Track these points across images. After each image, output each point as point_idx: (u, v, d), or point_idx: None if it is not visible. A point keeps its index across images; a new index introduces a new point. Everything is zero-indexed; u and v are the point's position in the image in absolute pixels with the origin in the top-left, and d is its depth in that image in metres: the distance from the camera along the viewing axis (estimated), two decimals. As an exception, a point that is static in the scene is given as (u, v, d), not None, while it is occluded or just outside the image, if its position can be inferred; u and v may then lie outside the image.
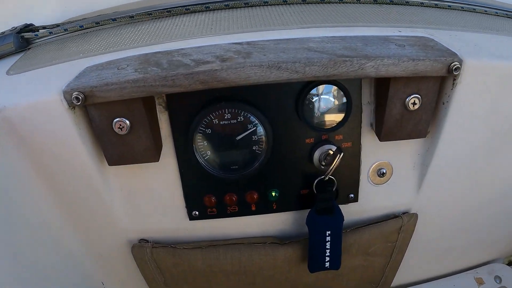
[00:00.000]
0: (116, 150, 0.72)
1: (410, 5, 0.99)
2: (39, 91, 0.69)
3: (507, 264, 1.26)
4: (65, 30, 0.95)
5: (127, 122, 0.68)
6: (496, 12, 1.02)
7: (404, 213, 0.92)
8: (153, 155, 0.72)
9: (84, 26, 0.94)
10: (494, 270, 1.21)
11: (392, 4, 0.98)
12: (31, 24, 1.02)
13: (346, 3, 0.94)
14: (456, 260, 1.17)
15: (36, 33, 0.97)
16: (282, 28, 0.78)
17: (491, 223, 1.06)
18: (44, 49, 0.94)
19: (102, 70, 0.68)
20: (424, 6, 1.00)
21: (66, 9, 1.26)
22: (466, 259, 1.19)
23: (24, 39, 0.98)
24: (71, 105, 0.67)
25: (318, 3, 0.93)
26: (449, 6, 1.01)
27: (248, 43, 0.70)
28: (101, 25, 0.93)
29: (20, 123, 0.70)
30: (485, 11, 1.02)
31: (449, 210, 0.96)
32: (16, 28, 0.99)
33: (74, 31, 0.95)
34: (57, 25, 0.99)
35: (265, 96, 0.74)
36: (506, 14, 1.03)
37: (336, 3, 0.93)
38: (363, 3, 0.95)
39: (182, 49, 0.71)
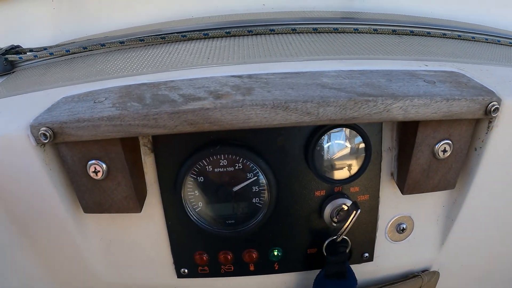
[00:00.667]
0: (92, 197, 0.60)
1: (432, 36, 0.90)
2: (4, 124, 0.58)
3: None
4: (51, 54, 0.85)
5: (104, 165, 0.57)
6: None
7: (424, 271, 0.79)
8: (135, 205, 0.60)
9: (71, 50, 0.84)
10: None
11: (413, 34, 0.88)
12: (18, 46, 0.94)
13: (362, 33, 0.83)
14: None
15: (21, 55, 0.88)
16: (290, 59, 0.67)
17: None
18: (27, 74, 0.84)
19: (77, 103, 0.57)
20: (447, 38, 0.90)
21: (60, 33, 1.18)
22: None
23: (8, 61, 0.89)
24: (39, 142, 0.55)
25: (331, 32, 0.82)
26: (472, 37, 0.92)
27: (249, 76, 0.59)
28: (89, 50, 0.83)
29: None
30: (510, 43, 0.93)
31: (475, 267, 0.83)
32: (1, 49, 0.90)
33: (60, 55, 0.85)
34: (44, 48, 0.90)
35: (269, 140, 0.62)
36: None
37: (351, 32, 0.82)
38: (381, 34, 0.85)
39: (171, 81, 0.60)
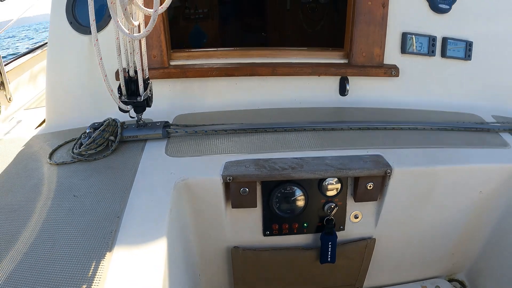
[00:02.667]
0: (238, 201, 1.62)
1: (379, 129, 1.91)
2: (207, 172, 1.58)
3: (448, 281, 2.10)
4: (195, 132, 1.86)
5: (247, 189, 1.59)
6: (431, 128, 1.93)
7: (368, 238, 1.85)
8: (254, 205, 1.64)
9: (207, 131, 1.86)
10: (436, 283, 2.10)
11: (369, 129, 1.91)
12: (167, 122, 1.90)
13: (344, 130, 1.89)
14: (408, 273, 2.08)
15: (177, 129, 1.88)
16: (314, 149, 1.72)
17: (429, 250, 1.97)
18: (182, 141, 1.79)
19: (237, 167, 1.59)
20: (388, 129, 1.92)
21: (172, 105, 2.13)
22: (415, 273, 2.10)
23: (167, 132, 1.85)
24: (224, 181, 1.58)
25: (329, 130, 1.88)
26: (401, 128, 1.93)
27: (300, 158, 1.64)
28: (218, 133, 1.85)
29: (194, 187, 1.58)
30: (424, 128, 1.93)
31: (397, 237, 1.88)
32: (160, 123, 1.85)
33: (202, 134, 1.86)
34: (186, 126, 1.90)
35: (307, 181, 1.66)
36: (445, 128, 1.93)
37: (339, 130, 1.88)
38: (352, 130, 1.90)
39: (271, 159, 1.64)
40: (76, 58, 2.14)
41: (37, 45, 4.14)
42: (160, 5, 1.36)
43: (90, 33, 2.01)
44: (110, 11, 1.36)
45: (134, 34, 1.45)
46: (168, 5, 1.41)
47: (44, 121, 2.37)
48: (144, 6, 1.43)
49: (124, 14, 1.36)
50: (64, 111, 2.18)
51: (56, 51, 2.16)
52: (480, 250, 2.00)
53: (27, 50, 3.90)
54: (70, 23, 2.10)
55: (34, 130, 2.20)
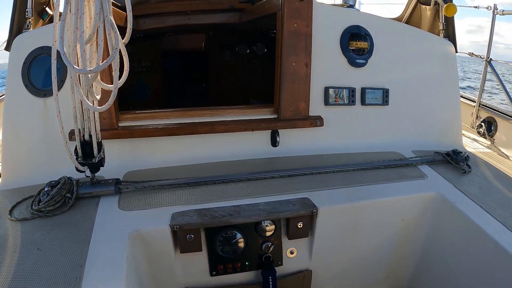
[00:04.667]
0: (186, 247, 1.92)
1: (307, 175, 2.30)
2: (157, 223, 1.86)
3: None
4: (144, 187, 2.17)
5: (193, 236, 1.90)
6: (354, 169, 2.34)
7: (305, 270, 2.19)
8: (200, 249, 1.96)
9: (155, 186, 2.18)
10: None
11: (297, 175, 2.29)
12: (118, 179, 2.18)
13: (275, 178, 2.26)
14: None
15: (127, 186, 2.18)
16: (249, 197, 2.07)
17: (365, 275, 2.31)
18: (133, 196, 2.09)
19: (183, 216, 1.90)
20: (314, 174, 2.31)
21: (124, 162, 2.41)
22: None
23: (119, 188, 2.14)
24: (172, 230, 1.88)
25: (262, 179, 2.25)
26: (326, 172, 2.33)
27: (237, 206, 1.98)
28: (164, 188, 2.17)
29: (146, 236, 1.86)
30: (347, 170, 2.34)
31: (332, 266, 2.23)
32: (112, 180, 2.12)
33: (150, 189, 2.18)
34: (136, 182, 2.20)
35: (244, 225, 1.98)
36: (366, 167, 2.35)
37: (270, 178, 2.25)
38: (283, 177, 2.28)
39: (211, 208, 1.96)
40: (31, 120, 2.37)
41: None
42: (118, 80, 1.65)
43: (44, 96, 2.34)
44: (74, 87, 1.63)
45: (97, 107, 1.73)
46: (124, 81, 1.70)
47: None
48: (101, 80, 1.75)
49: (88, 91, 1.68)
50: (19, 169, 2.38)
51: (12, 112, 2.36)
52: (412, 269, 2.30)
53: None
54: (26, 86, 2.35)
55: None
